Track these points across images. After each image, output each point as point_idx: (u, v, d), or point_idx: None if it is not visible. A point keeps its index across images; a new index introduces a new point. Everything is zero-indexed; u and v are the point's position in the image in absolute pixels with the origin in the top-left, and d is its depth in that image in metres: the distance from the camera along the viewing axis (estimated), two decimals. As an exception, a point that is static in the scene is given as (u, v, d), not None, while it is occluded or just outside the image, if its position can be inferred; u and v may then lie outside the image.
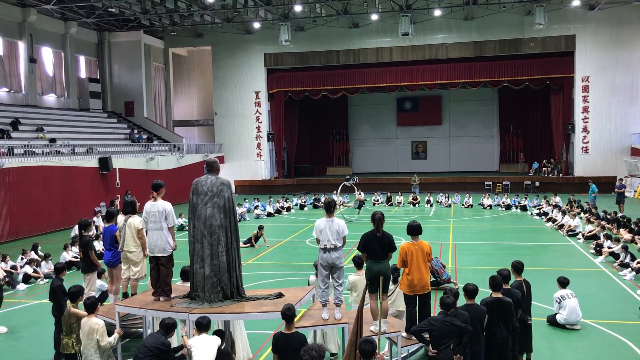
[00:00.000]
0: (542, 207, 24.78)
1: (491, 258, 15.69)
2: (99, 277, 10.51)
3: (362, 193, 27.13)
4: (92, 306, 7.26)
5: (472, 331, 6.70)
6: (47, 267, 14.92)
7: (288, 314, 6.48)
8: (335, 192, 28.52)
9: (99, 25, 35.10)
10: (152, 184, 8.28)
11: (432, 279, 11.85)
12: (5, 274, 13.28)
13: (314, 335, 8.24)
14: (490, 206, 27.59)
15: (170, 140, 36.59)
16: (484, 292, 8.08)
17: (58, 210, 23.48)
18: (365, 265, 7.50)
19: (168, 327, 6.85)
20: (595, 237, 17.56)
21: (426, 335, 6.74)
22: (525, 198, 27.56)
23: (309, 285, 8.92)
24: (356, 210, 25.38)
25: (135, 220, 8.81)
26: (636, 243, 16.85)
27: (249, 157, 38.17)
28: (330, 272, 7.42)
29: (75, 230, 18.28)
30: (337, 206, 23.64)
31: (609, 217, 20.16)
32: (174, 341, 8.31)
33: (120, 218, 9.09)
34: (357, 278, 8.47)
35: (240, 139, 38.23)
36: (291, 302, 7.38)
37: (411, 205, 29.36)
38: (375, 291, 7.13)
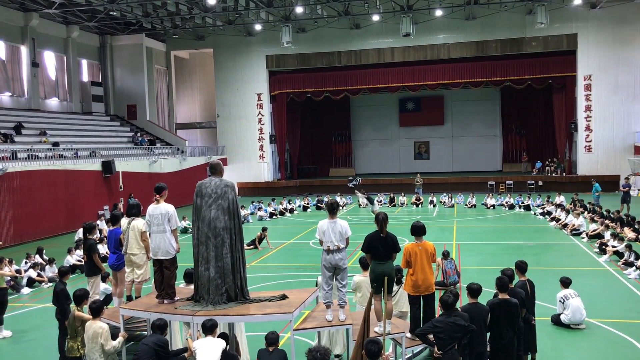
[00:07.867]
0: (546, 207, 24.73)
1: (495, 258, 15.65)
2: (104, 280, 10.53)
3: (366, 193, 27.16)
4: (97, 310, 7.27)
5: (476, 329, 6.69)
6: (51, 270, 14.94)
7: (272, 337, 6.94)
8: (337, 193, 28.58)
9: (101, 29, 35.22)
10: (155, 186, 8.26)
11: (439, 279, 11.82)
12: (10, 277, 13.30)
13: (319, 336, 8.25)
14: (493, 206, 27.54)
15: (173, 143, 36.64)
16: (487, 292, 8.07)
17: (62, 214, 23.53)
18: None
19: (160, 327, 6.98)
20: (599, 236, 17.52)
21: (430, 337, 6.72)
22: (529, 197, 27.50)
23: (316, 286, 8.89)
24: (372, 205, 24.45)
25: (139, 223, 8.79)
26: (640, 242, 16.81)
27: (252, 159, 38.19)
28: (334, 274, 7.42)
29: (80, 234, 18.32)
30: (340, 207, 23.63)
31: (612, 215, 20.11)
32: (178, 343, 8.33)
33: (124, 221, 9.06)
34: (362, 279, 8.47)
35: (242, 141, 38.25)
36: (295, 303, 7.40)
37: (414, 206, 29.33)
38: (379, 292, 7.13)
